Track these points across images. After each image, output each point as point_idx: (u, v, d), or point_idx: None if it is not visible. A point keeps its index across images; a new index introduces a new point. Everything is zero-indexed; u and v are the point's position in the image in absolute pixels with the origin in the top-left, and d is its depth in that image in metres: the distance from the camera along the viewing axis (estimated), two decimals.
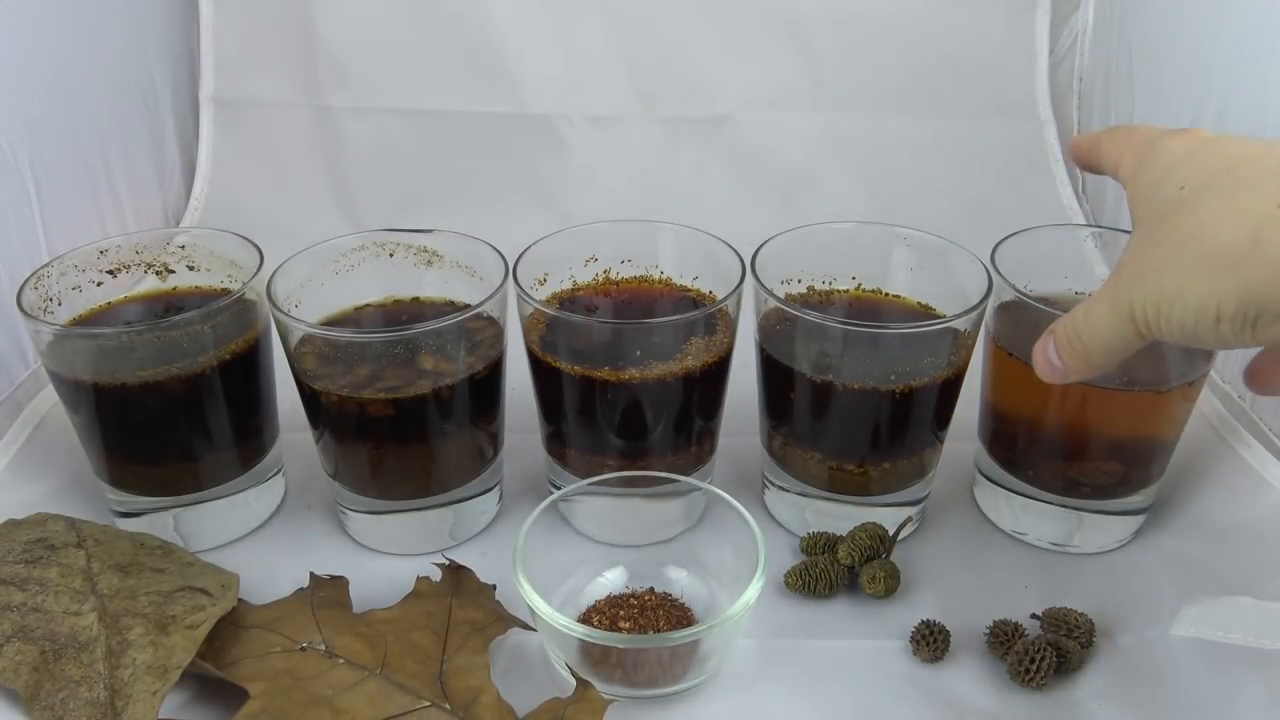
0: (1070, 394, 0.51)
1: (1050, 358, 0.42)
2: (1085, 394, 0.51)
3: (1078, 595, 0.53)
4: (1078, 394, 0.51)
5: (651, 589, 0.53)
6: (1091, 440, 0.54)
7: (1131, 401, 0.52)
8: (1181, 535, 0.58)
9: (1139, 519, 0.57)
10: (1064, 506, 0.56)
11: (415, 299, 0.58)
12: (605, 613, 0.50)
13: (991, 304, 0.52)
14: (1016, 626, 0.50)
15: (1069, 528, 0.56)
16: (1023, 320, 0.52)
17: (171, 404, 0.53)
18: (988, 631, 0.50)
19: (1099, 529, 0.56)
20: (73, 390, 0.53)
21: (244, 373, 0.55)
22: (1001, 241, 0.55)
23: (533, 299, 0.53)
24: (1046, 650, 0.48)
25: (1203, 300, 0.35)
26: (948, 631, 0.50)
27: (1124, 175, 0.41)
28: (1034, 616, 0.51)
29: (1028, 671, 0.47)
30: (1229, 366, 0.71)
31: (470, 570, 0.51)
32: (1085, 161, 0.45)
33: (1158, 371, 0.52)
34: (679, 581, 0.54)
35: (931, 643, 0.49)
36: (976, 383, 0.57)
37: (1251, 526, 0.57)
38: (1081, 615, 0.50)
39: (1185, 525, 0.58)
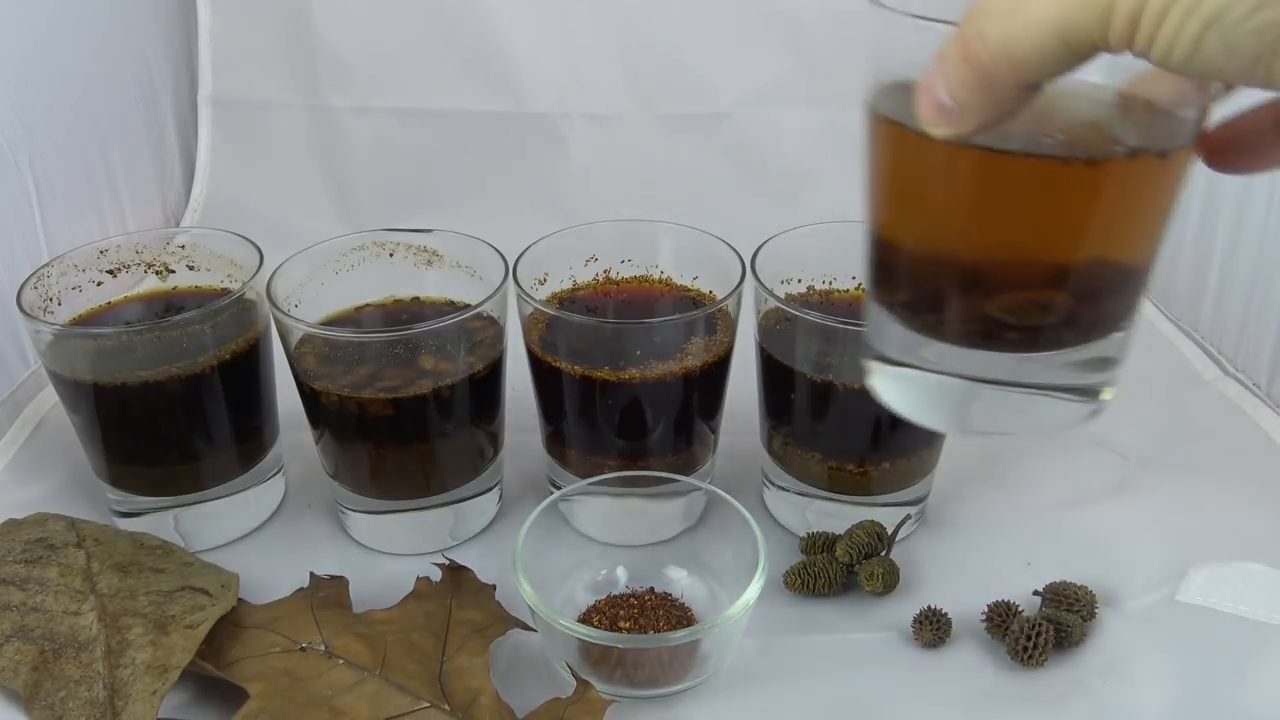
0: (977, 169, 0.32)
1: (938, 92, 0.28)
2: (997, 166, 0.31)
3: (1082, 567, 0.53)
4: (984, 168, 0.31)
5: (651, 589, 0.53)
6: (1014, 249, 0.34)
7: (1072, 177, 0.31)
8: (1186, 497, 0.58)
9: (1090, 406, 0.37)
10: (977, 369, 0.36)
11: (415, 299, 0.58)
12: (605, 613, 0.50)
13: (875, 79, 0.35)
14: (1010, 606, 0.50)
15: (1011, 403, 0.36)
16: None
17: (171, 404, 0.53)
18: (985, 613, 0.50)
19: (1038, 408, 0.37)
20: (73, 390, 0.53)
21: (244, 373, 0.55)
22: None
23: (533, 299, 0.53)
24: (1043, 626, 0.48)
25: None
26: (948, 617, 0.50)
27: None
28: (1036, 593, 0.51)
29: (1026, 650, 0.48)
30: (1242, 353, 0.71)
31: (470, 570, 0.51)
32: None
33: (1126, 128, 0.33)
34: (679, 581, 0.54)
35: (933, 625, 0.49)
36: None
37: (1262, 489, 0.57)
38: (1082, 588, 0.50)
39: (1189, 486, 0.59)
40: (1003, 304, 0.34)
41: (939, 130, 0.29)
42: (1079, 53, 0.26)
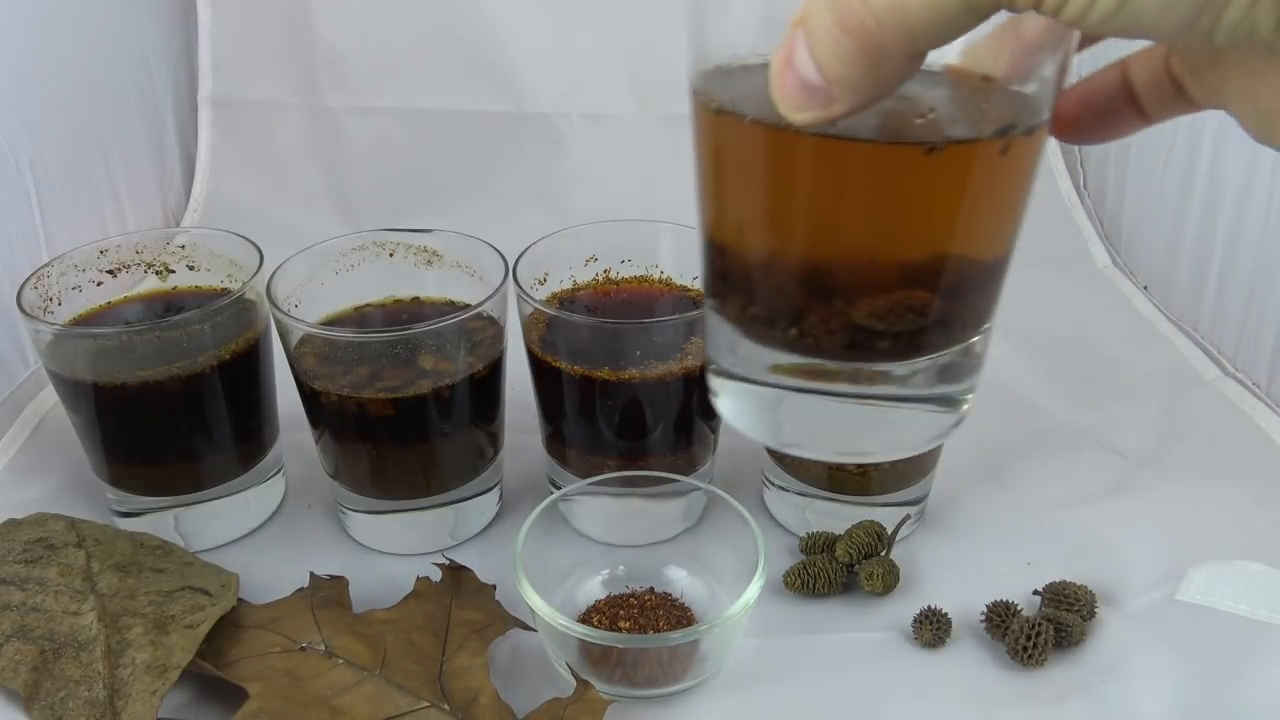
0: (824, 161, 0.28)
1: (803, 70, 0.23)
2: (848, 155, 0.27)
3: (1082, 567, 0.53)
4: (835, 158, 0.28)
5: (651, 589, 0.53)
6: (862, 247, 0.30)
7: (933, 166, 0.27)
8: (1186, 497, 0.58)
9: (954, 415, 0.34)
10: (857, 387, 0.32)
11: (415, 299, 0.58)
12: (605, 613, 0.50)
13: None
14: (1010, 606, 0.50)
15: (866, 420, 0.33)
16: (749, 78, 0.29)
17: (171, 404, 0.53)
18: (985, 613, 0.50)
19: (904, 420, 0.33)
20: (72, 390, 0.53)
21: (244, 373, 0.55)
22: None
23: (533, 299, 0.53)
24: (1043, 626, 0.48)
25: None
26: (948, 617, 0.50)
27: None
28: (1035, 593, 0.51)
29: (1026, 650, 0.48)
30: (1242, 353, 0.71)
31: (470, 570, 0.51)
32: None
33: (966, 108, 0.29)
34: (679, 581, 0.54)
35: (933, 625, 0.49)
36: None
37: (1262, 489, 0.57)
38: (1082, 588, 0.50)
39: (1189, 486, 0.59)
40: (851, 310, 0.30)
41: (804, 115, 0.24)
42: (980, 12, 0.22)
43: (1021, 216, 0.31)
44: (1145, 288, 0.85)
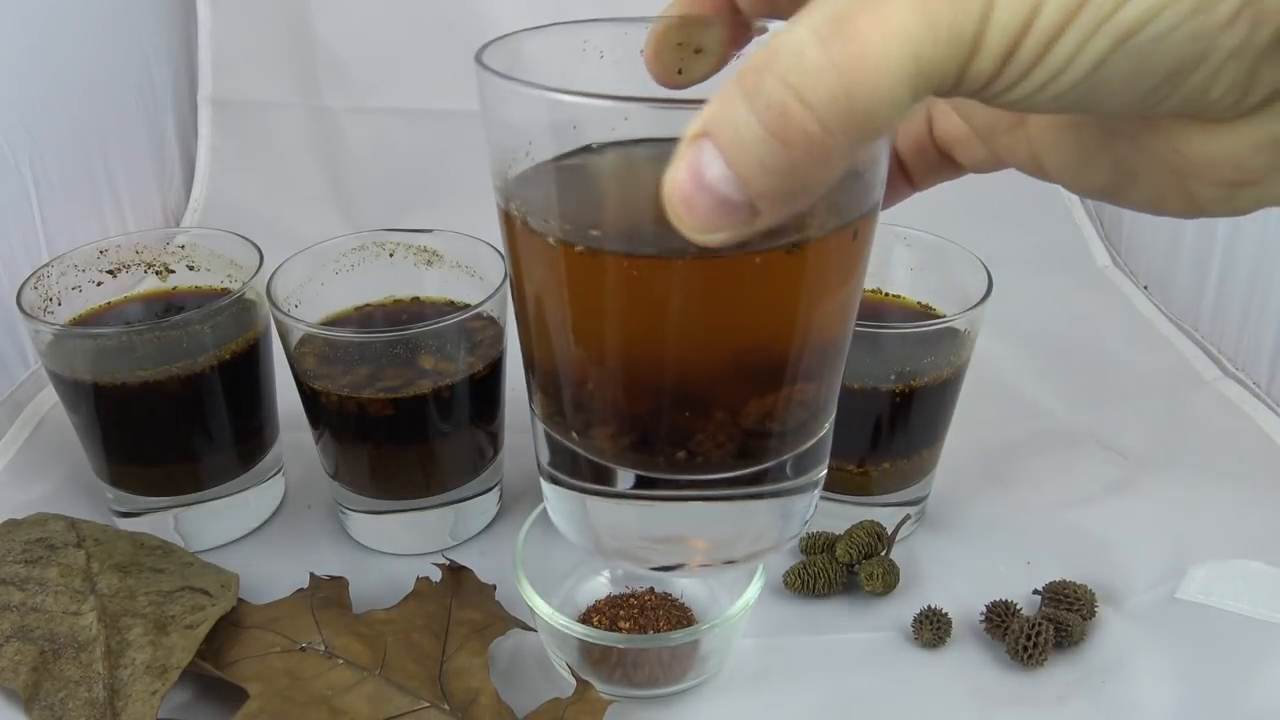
0: (673, 276, 0.25)
1: (719, 187, 0.20)
2: (721, 267, 0.25)
3: (1082, 566, 0.53)
4: (704, 271, 0.25)
5: (651, 589, 0.53)
6: (701, 357, 0.27)
7: (795, 264, 0.26)
8: (1186, 497, 0.58)
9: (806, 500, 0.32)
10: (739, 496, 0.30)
11: (415, 299, 0.58)
12: (605, 613, 0.50)
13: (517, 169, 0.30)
14: (1010, 605, 0.50)
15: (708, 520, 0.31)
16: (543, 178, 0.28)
17: (171, 404, 0.53)
18: (984, 613, 0.50)
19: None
20: (73, 390, 0.53)
21: (244, 373, 0.55)
22: None
23: None
24: (1043, 626, 0.48)
25: None
26: (948, 617, 0.50)
27: None
28: (1035, 593, 0.51)
29: (1026, 650, 0.48)
30: (1242, 353, 0.71)
31: (470, 570, 0.51)
32: None
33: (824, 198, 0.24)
34: (679, 581, 0.54)
35: (933, 625, 0.49)
36: (977, 383, 0.57)
37: (1262, 489, 0.57)
38: (1082, 587, 0.50)
39: (1189, 486, 0.59)
40: (687, 424, 0.27)
41: (719, 236, 0.21)
42: (919, 99, 0.20)
43: (839, 315, 0.29)
44: (1145, 288, 0.85)
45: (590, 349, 0.28)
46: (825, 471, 0.32)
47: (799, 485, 0.31)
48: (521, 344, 0.31)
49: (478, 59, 0.26)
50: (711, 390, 0.27)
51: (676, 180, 0.21)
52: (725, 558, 0.31)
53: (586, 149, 0.25)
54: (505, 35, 0.28)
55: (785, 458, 0.29)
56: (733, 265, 0.25)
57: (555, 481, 0.32)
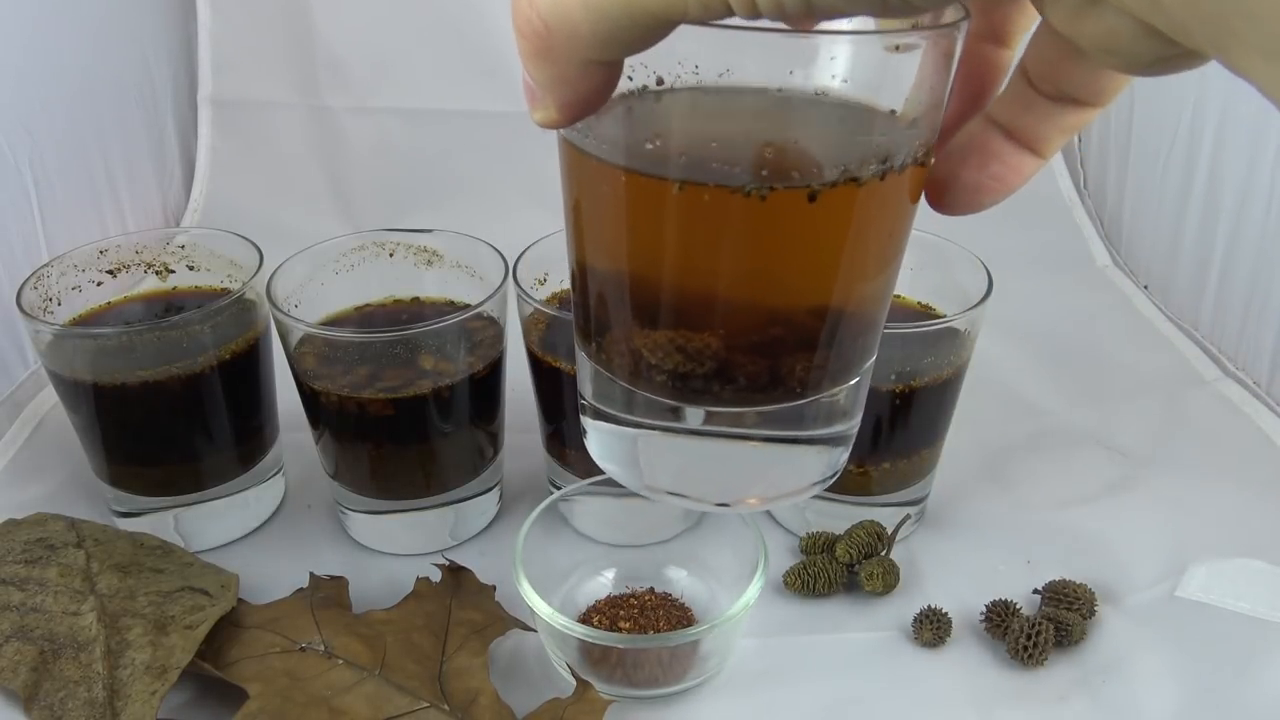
0: (690, 203, 0.26)
1: (524, 71, 0.23)
2: (722, 201, 0.26)
3: (1082, 565, 0.53)
4: (706, 203, 0.26)
5: (651, 589, 0.53)
6: (742, 289, 0.28)
7: (814, 209, 0.26)
8: (1185, 496, 0.58)
9: (837, 452, 0.33)
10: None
11: (415, 299, 0.58)
12: (605, 613, 0.50)
13: None
14: (1010, 605, 0.50)
15: (740, 463, 0.32)
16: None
17: (171, 404, 0.53)
18: (984, 612, 0.50)
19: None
20: (73, 390, 0.53)
21: (244, 373, 0.55)
22: None
23: (533, 299, 0.53)
24: (1043, 625, 0.48)
25: None
26: (948, 616, 0.50)
27: None
28: (1036, 592, 0.51)
29: (1026, 649, 0.48)
30: (1242, 353, 0.71)
31: (470, 571, 0.51)
32: None
33: (844, 144, 0.27)
34: (679, 581, 0.54)
35: (933, 625, 0.49)
36: (977, 383, 0.57)
37: (1262, 489, 0.58)
38: (1082, 586, 0.50)
39: (1189, 485, 0.59)
40: (725, 353, 0.28)
41: (533, 117, 0.24)
42: (646, 23, 0.20)
43: (896, 253, 0.29)
44: (1145, 287, 0.85)
45: (669, 282, 0.28)
46: (858, 425, 0.33)
47: (839, 434, 0.32)
48: (577, 285, 0.32)
49: None
50: (772, 320, 0.28)
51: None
52: (775, 494, 0.33)
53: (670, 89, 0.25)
54: None
55: (836, 390, 0.31)
56: (796, 202, 0.26)
57: (602, 417, 0.32)
